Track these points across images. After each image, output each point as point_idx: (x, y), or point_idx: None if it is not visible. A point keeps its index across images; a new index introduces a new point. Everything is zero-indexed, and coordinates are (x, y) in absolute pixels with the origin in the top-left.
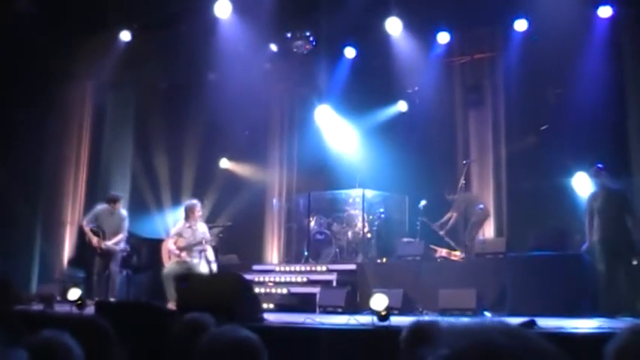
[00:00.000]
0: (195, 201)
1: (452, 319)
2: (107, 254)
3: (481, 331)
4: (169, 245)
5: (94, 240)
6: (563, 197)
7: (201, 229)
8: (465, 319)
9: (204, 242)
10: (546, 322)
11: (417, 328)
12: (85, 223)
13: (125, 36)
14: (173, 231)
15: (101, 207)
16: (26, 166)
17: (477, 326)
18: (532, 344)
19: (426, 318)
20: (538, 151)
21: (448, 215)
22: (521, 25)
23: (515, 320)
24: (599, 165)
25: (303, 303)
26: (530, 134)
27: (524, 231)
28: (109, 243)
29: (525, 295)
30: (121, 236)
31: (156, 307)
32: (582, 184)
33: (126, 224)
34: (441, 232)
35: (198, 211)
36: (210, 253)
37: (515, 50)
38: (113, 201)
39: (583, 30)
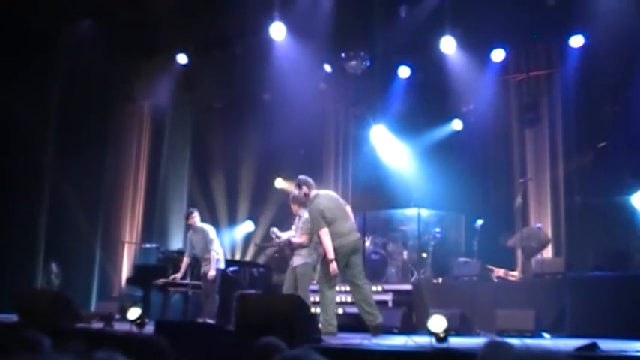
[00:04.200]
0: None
1: (520, 342)
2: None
3: None
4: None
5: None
6: (623, 216)
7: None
8: (540, 343)
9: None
10: (608, 345)
11: (492, 349)
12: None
13: (182, 58)
14: None
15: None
16: (86, 186)
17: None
18: None
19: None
20: (596, 168)
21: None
22: (577, 40)
23: (575, 342)
24: None
25: (358, 323)
26: (588, 152)
27: (582, 250)
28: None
29: (585, 316)
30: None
31: (214, 327)
32: None
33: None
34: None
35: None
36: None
37: (572, 67)
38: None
39: None
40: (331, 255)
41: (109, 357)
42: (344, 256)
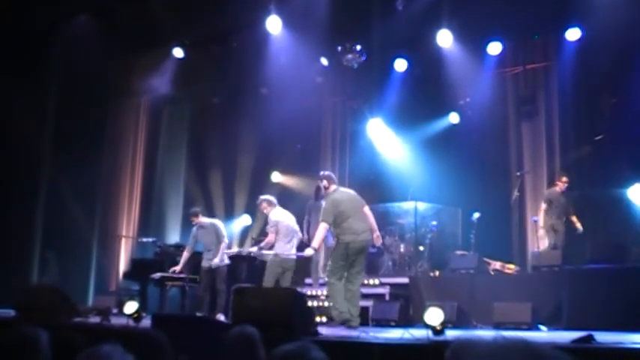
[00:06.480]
0: None
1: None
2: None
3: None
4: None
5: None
6: (620, 209)
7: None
8: (518, 335)
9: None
10: (604, 337)
11: (458, 347)
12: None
13: (178, 53)
14: None
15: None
16: (83, 180)
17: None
18: None
19: (476, 333)
20: (593, 161)
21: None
22: (574, 34)
23: (572, 334)
24: None
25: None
26: (584, 145)
27: (579, 243)
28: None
29: (582, 308)
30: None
31: (210, 321)
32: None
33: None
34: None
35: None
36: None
37: (569, 59)
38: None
39: (637, 38)
40: (316, 245)
41: (110, 349)
42: (354, 252)
